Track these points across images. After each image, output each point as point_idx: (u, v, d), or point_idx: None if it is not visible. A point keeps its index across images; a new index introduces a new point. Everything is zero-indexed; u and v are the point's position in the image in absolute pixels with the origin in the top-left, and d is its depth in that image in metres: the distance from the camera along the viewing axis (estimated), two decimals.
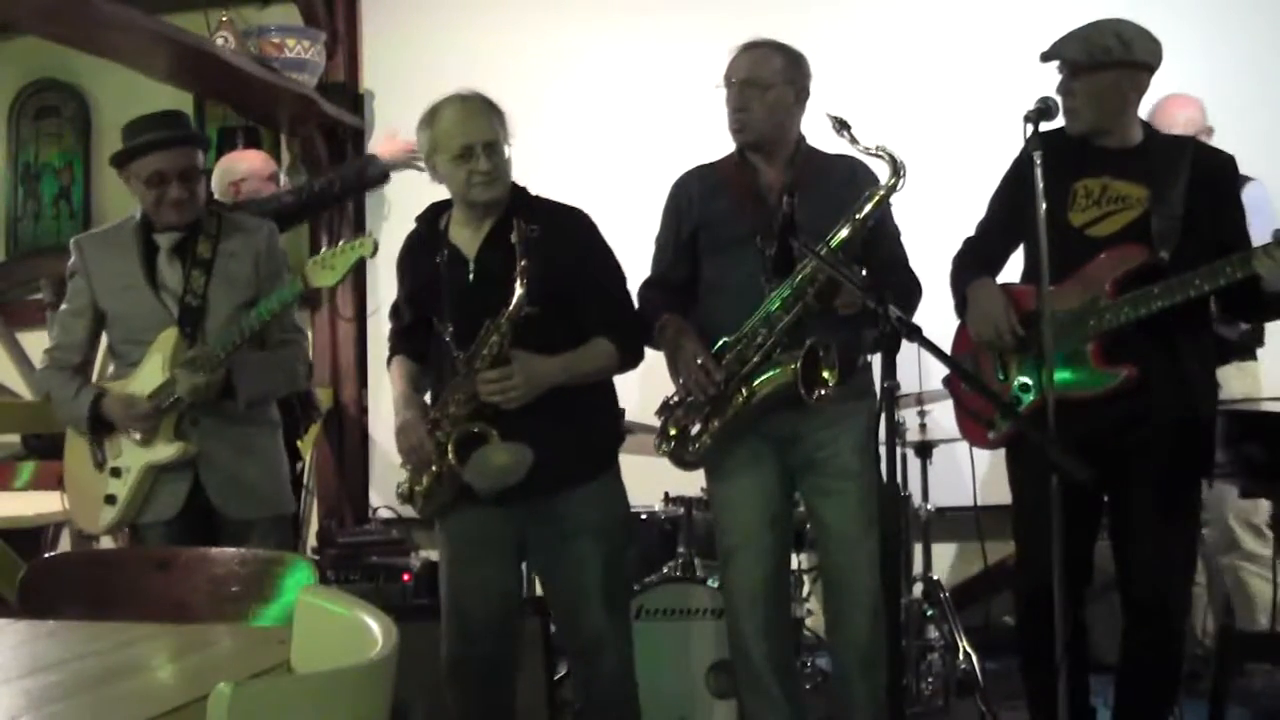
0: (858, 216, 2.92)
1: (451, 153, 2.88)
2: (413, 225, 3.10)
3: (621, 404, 3.58)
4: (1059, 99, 2.88)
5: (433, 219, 3.05)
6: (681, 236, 3.16)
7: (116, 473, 3.18)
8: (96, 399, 3.17)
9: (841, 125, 2.86)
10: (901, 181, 2.90)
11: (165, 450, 3.13)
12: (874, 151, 2.89)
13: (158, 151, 3.12)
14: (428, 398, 3.05)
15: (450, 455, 2.86)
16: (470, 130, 2.88)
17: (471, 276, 2.93)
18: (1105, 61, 2.87)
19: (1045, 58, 2.94)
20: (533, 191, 3.04)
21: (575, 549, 2.96)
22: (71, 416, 3.23)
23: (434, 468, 2.90)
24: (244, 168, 4.25)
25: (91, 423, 3.18)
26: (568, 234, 2.96)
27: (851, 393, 2.98)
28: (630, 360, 3.02)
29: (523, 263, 2.80)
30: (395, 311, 3.17)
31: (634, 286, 3.19)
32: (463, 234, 2.97)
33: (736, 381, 2.97)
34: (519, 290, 2.80)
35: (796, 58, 3.09)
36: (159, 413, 3.11)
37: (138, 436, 3.14)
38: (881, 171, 2.96)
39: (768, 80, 3.03)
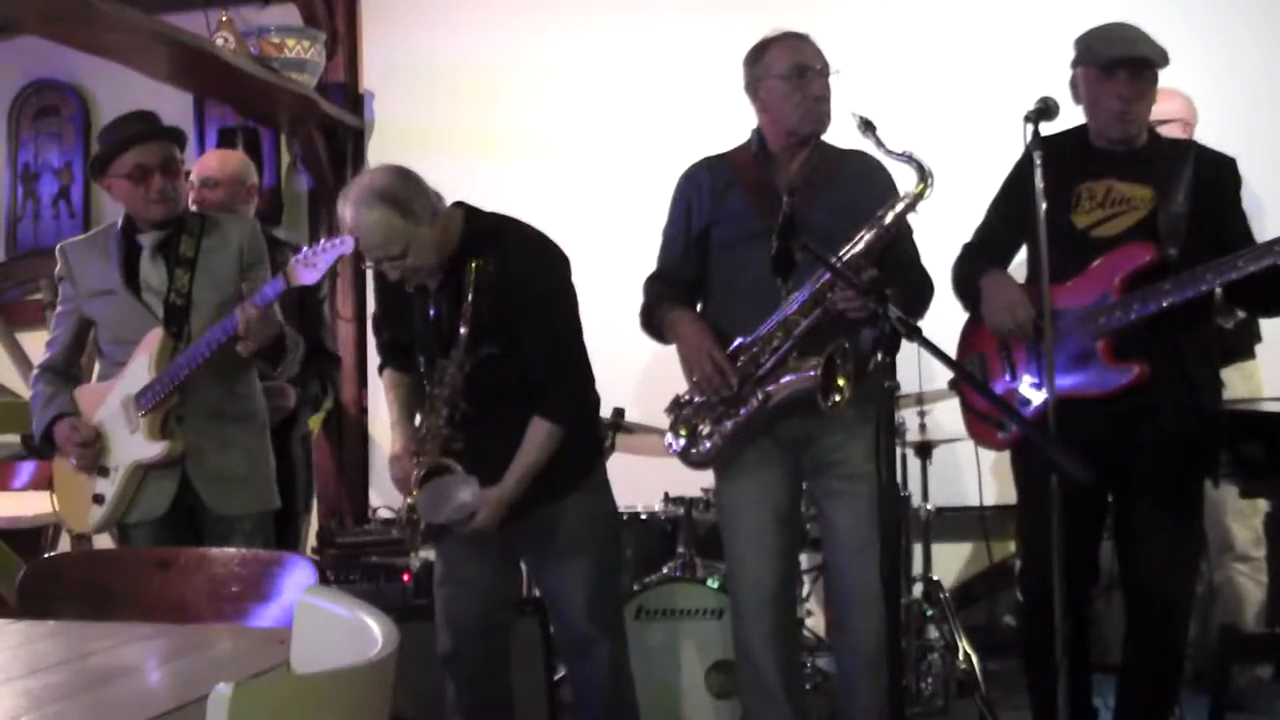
0: (884, 223, 2.89)
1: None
2: None
3: (620, 404, 3.59)
4: (1111, 100, 2.89)
5: None
6: (692, 231, 3.11)
7: (105, 472, 3.20)
8: (55, 419, 3.22)
9: (867, 126, 2.82)
10: (930, 189, 2.86)
11: (151, 449, 3.13)
12: (900, 156, 2.85)
13: (137, 146, 3.15)
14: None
15: (414, 489, 2.90)
16: (366, 248, 2.85)
17: (433, 311, 2.93)
18: (1162, 64, 2.90)
19: (1117, 61, 2.88)
20: (513, 200, 3.03)
21: (561, 552, 2.98)
22: (35, 430, 3.29)
23: (409, 499, 2.93)
24: (213, 166, 3.95)
25: (42, 440, 3.26)
26: (523, 269, 2.89)
27: (863, 395, 2.92)
28: (572, 425, 2.92)
29: (468, 304, 2.83)
30: (376, 326, 3.18)
31: (638, 285, 3.19)
32: (414, 281, 2.96)
33: (751, 384, 2.96)
34: (463, 330, 2.83)
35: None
36: (97, 446, 3.18)
37: (73, 462, 3.20)
38: (900, 171, 2.95)
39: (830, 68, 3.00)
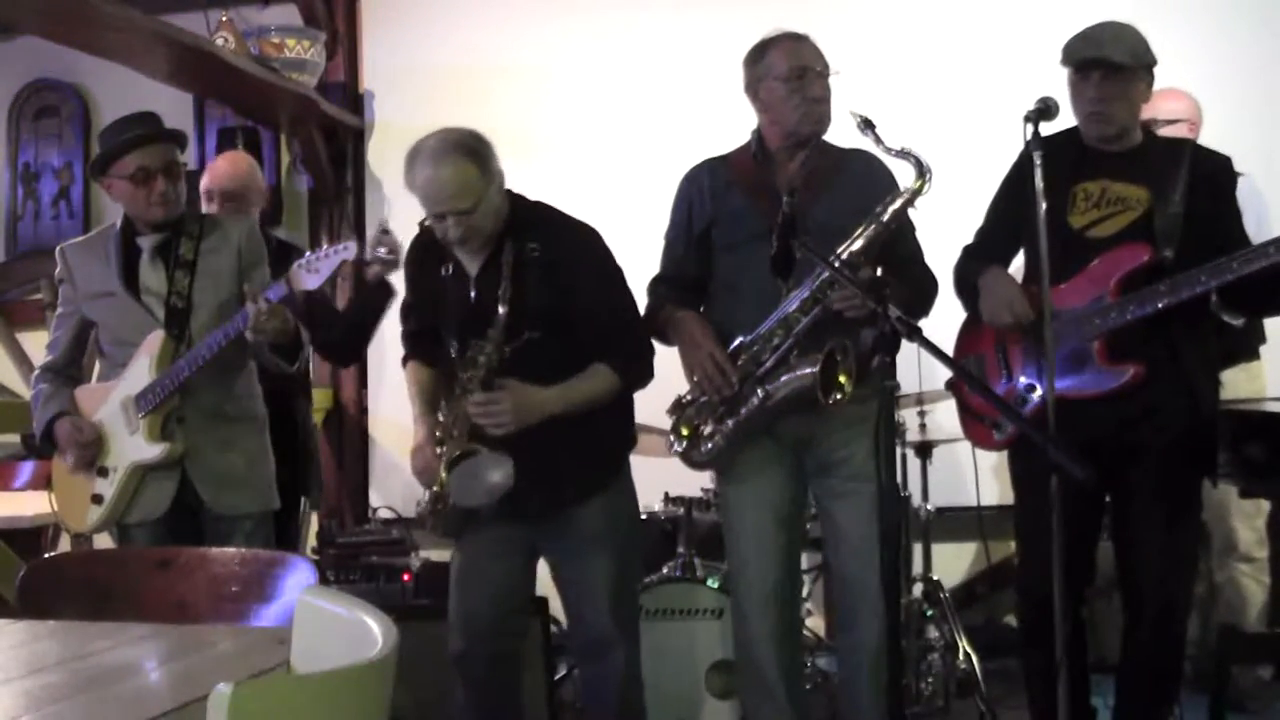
0: (882, 219, 2.89)
1: (427, 212, 2.86)
2: (412, 226, 3.08)
3: None
4: (1085, 101, 2.90)
5: None
6: (693, 232, 3.11)
7: (104, 472, 3.21)
8: (56, 416, 3.23)
9: (866, 124, 2.82)
10: (928, 185, 2.86)
11: (151, 450, 3.14)
12: (898, 153, 2.85)
13: (140, 148, 3.16)
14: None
15: (444, 475, 2.86)
16: (438, 200, 2.82)
17: (473, 296, 2.92)
18: (1142, 64, 2.90)
19: (1086, 62, 2.90)
20: (537, 198, 3.01)
21: (585, 553, 2.97)
22: (35, 428, 3.31)
23: (435, 487, 2.90)
24: (227, 172, 3.94)
25: (43, 438, 3.27)
26: (570, 253, 2.92)
27: (866, 394, 2.88)
28: (634, 384, 2.99)
29: (507, 286, 2.81)
30: (405, 314, 3.17)
31: (641, 288, 3.19)
32: (465, 250, 2.95)
33: (752, 382, 2.95)
34: (502, 310, 2.81)
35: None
36: (100, 444, 3.19)
37: (70, 461, 3.21)
38: (899, 169, 2.95)
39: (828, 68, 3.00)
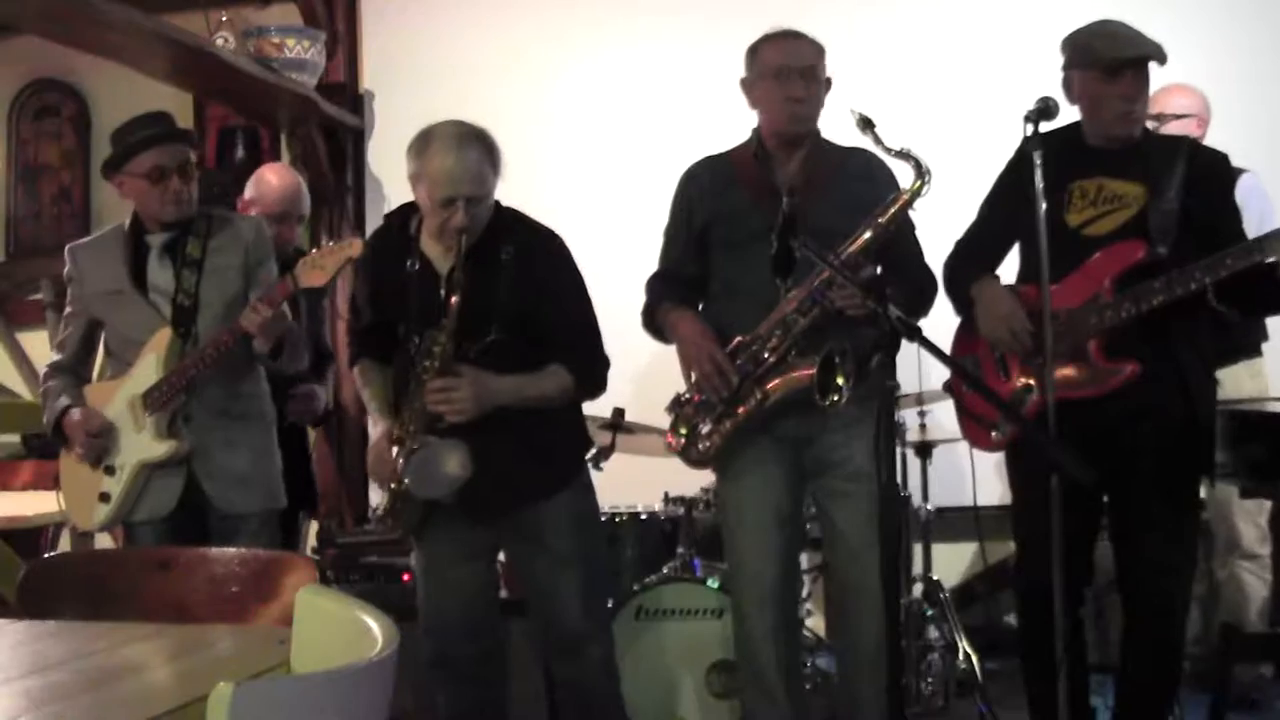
0: (880, 221, 2.89)
1: (434, 198, 2.84)
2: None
3: (620, 404, 3.59)
4: (1116, 100, 2.90)
5: (404, 221, 3.01)
6: (692, 230, 3.12)
7: (111, 470, 3.21)
8: (64, 410, 3.24)
9: (866, 124, 2.82)
10: (927, 186, 2.86)
11: (157, 449, 3.14)
12: (898, 153, 2.85)
13: (157, 147, 3.17)
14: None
15: (401, 466, 2.85)
16: (457, 184, 2.81)
17: (443, 293, 2.90)
18: (1163, 59, 2.90)
19: (1124, 62, 2.87)
20: (515, 200, 3.02)
21: (554, 552, 2.97)
22: (46, 423, 3.32)
23: (393, 485, 2.89)
24: (284, 193, 3.97)
25: (54, 433, 3.29)
26: (541, 259, 2.94)
27: (865, 394, 2.88)
28: (587, 393, 3.01)
29: (460, 276, 2.80)
30: (354, 307, 3.14)
31: (638, 285, 3.19)
32: (435, 247, 2.94)
33: (750, 382, 2.96)
34: (454, 300, 2.80)
35: (821, 46, 3.07)
36: (109, 435, 3.19)
37: (79, 453, 3.22)
38: (899, 169, 2.95)
39: (821, 67, 3.00)
